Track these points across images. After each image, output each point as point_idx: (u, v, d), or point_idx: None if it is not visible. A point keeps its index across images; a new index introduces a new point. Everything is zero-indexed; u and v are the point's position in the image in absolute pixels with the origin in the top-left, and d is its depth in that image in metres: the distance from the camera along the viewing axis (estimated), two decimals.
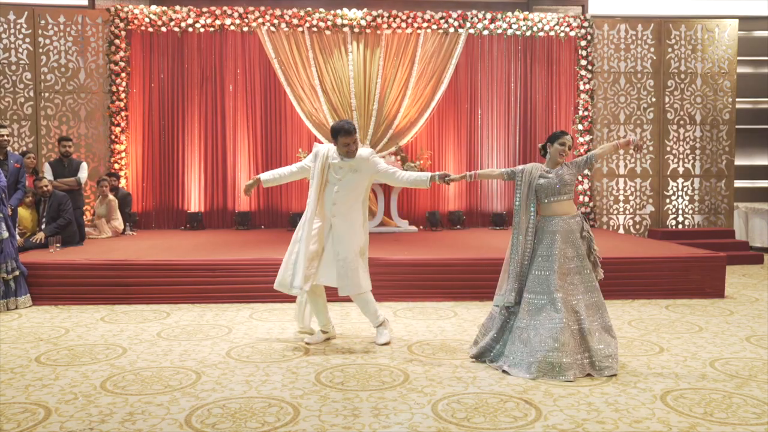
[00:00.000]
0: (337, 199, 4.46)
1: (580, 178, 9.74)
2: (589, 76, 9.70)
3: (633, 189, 9.89)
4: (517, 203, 4.21)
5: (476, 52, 9.81)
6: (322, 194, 4.50)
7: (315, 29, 9.43)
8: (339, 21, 9.38)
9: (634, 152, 4.32)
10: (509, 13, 9.65)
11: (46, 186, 7.03)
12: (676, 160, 9.91)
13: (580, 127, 9.71)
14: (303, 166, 4.65)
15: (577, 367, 3.85)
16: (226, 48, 9.55)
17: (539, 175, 4.22)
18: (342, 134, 4.44)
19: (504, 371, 3.92)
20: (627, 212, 9.91)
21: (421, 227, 9.59)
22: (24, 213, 7.07)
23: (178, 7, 9.36)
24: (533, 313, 3.98)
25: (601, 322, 4.04)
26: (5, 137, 6.52)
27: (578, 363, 3.87)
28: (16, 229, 6.42)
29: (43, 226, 7.00)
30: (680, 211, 9.95)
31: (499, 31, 9.66)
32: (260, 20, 9.37)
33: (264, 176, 4.68)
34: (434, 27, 9.53)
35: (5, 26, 9.03)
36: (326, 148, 4.57)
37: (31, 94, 9.13)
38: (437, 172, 4.52)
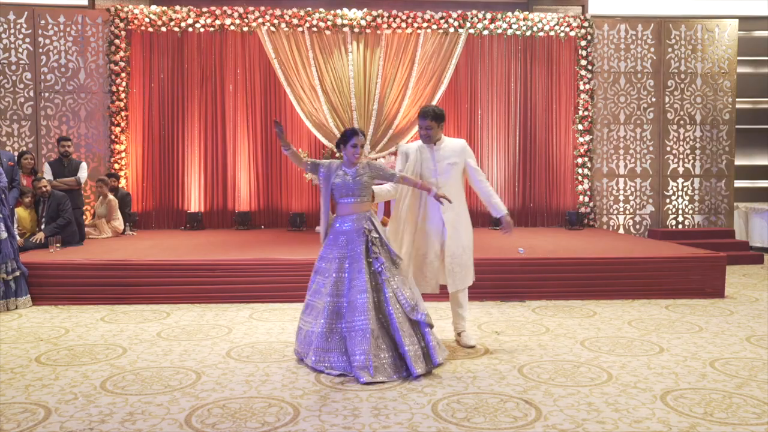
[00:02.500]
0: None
1: (579, 178, 9.75)
2: (589, 76, 9.69)
3: (633, 189, 9.89)
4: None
5: (476, 52, 9.81)
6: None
7: (315, 29, 9.42)
8: (339, 21, 9.38)
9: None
10: (509, 13, 9.65)
11: (45, 186, 7.03)
12: (676, 160, 9.91)
13: (580, 127, 9.71)
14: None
15: (387, 366, 3.84)
16: (226, 48, 9.55)
17: (336, 174, 4.14)
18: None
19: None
20: (627, 212, 9.91)
21: None
22: (23, 213, 7.06)
23: (178, 7, 9.36)
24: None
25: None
26: None
27: (384, 362, 3.84)
28: (15, 230, 6.41)
29: (42, 227, 7.00)
30: (680, 211, 9.95)
31: (499, 31, 9.66)
32: (260, 20, 9.37)
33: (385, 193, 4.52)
34: (434, 27, 9.53)
35: (5, 26, 9.02)
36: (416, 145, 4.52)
37: (31, 94, 9.13)
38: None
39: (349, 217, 4.10)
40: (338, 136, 9.56)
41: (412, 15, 9.46)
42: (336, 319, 3.97)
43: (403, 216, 4.43)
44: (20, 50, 9.07)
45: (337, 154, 4.32)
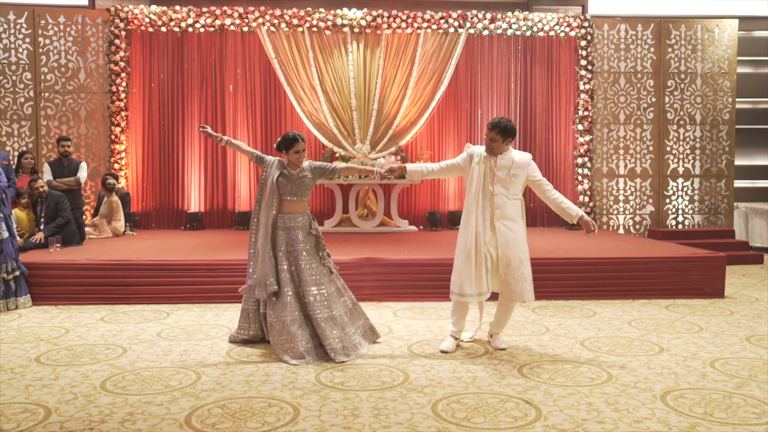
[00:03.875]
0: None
1: (579, 178, 9.76)
2: (589, 76, 9.70)
3: (633, 189, 9.89)
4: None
5: (476, 52, 9.81)
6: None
7: (315, 29, 9.43)
8: (339, 21, 9.38)
9: (388, 174, 4.39)
10: (509, 13, 9.65)
11: (42, 187, 7.03)
12: (676, 160, 9.91)
13: (580, 127, 9.71)
14: (456, 164, 4.50)
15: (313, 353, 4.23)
16: (226, 48, 9.55)
17: (280, 173, 4.44)
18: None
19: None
20: (627, 212, 9.91)
21: (421, 227, 9.60)
22: (20, 214, 7.04)
23: (178, 7, 9.36)
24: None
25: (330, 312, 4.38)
26: None
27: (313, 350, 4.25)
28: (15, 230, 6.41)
29: (42, 227, 6.99)
30: (680, 211, 9.95)
31: (499, 31, 9.66)
32: (260, 20, 9.37)
33: (411, 167, 4.51)
34: (434, 27, 9.53)
35: (5, 26, 9.02)
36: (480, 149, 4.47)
37: (31, 94, 9.13)
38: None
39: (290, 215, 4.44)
40: (338, 136, 9.60)
41: (412, 15, 9.46)
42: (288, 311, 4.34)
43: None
44: (20, 50, 9.07)
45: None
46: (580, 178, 9.75)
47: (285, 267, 4.36)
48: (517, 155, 4.41)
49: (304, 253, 4.39)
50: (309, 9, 9.41)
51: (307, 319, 4.35)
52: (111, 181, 8.29)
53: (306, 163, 4.50)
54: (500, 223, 4.31)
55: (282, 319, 4.30)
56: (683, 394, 3.58)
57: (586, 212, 9.61)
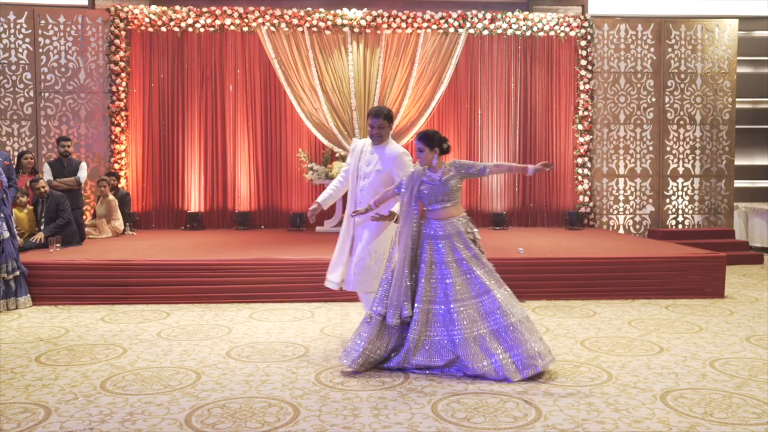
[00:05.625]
0: (361, 198, 4.50)
1: (579, 178, 9.76)
2: (589, 76, 9.69)
3: (633, 189, 9.89)
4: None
5: (476, 52, 9.81)
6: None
7: (315, 29, 9.42)
8: (339, 21, 9.38)
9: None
10: (509, 13, 9.65)
11: (43, 187, 7.03)
12: (676, 160, 9.91)
13: (580, 127, 9.71)
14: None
15: None
16: (226, 48, 9.55)
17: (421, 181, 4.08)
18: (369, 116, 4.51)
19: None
20: (627, 212, 9.91)
21: None
22: (19, 214, 7.04)
23: (178, 7, 9.36)
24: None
25: None
26: None
27: None
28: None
29: (42, 227, 6.99)
30: (680, 211, 9.95)
31: (499, 31, 9.66)
32: (260, 20, 9.37)
33: (321, 199, 4.62)
34: (434, 27, 9.53)
35: (5, 26, 9.02)
36: (362, 142, 4.57)
37: (31, 94, 9.13)
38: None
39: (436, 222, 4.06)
40: (338, 136, 9.54)
41: (412, 15, 9.46)
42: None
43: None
44: (20, 50, 9.07)
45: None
46: (580, 178, 9.75)
47: (432, 282, 3.99)
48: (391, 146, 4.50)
49: (454, 264, 3.99)
50: (309, 9, 9.41)
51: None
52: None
53: (449, 162, 4.16)
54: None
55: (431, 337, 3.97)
56: (683, 394, 3.58)
57: (586, 212, 9.65)
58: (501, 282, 4.01)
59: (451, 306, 3.91)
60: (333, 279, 4.57)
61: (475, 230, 4.14)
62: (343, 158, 9.42)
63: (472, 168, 4.08)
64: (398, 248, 4.04)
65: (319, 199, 4.69)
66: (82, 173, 7.75)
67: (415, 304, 3.96)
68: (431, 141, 4.05)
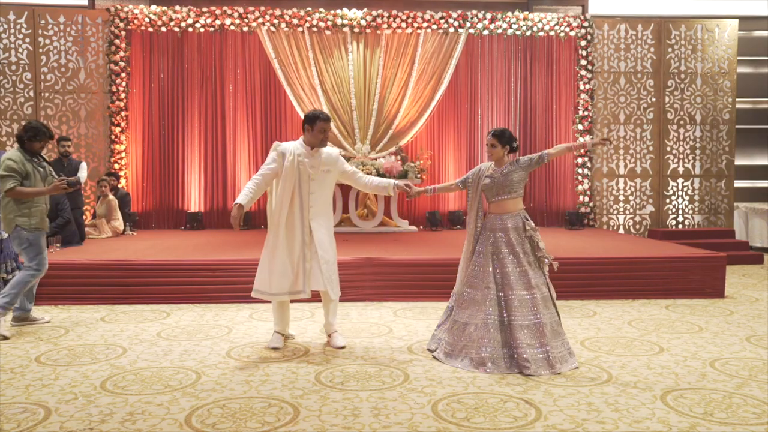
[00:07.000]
0: (313, 202, 4.39)
1: (579, 178, 9.76)
2: (589, 76, 9.70)
3: (633, 189, 9.89)
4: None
5: (476, 52, 9.81)
6: (296, 196, 4.37)
7: (315, 29, 9.43)
8: (339, 21, 9.38)
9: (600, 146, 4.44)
10: (509, 13, 9.65)
11: None
12: (676, 160, 9.91)
13: (580, 127, 9.72)
14: (268, 172, 4.41)
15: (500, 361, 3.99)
16: (226, 48, 9.55)
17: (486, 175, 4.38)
18: (321, 120, 4.40)
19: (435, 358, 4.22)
20: (627, 212, 9.91)
21: (421, 227, 9.59)
22: None
23: (178, 7, 9.36)
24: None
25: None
26: None
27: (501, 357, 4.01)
28: None
29: None
30: (680, 211, 9.95)
31: (499, 31, 9.66)
32: (260, 20, 9.37)
33: (241, 200, 4.28)
34: (434, 27, 9.53)
35: (5, 26, 9.02)
36: (292, 146, 4.46)
37: (31, 94, 9.13)
38: (402, 180, 4.60)
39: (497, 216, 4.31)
40: (338, 136, 9.59)
41: (412, 15, 9.47)
42: None
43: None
44: (20, 50, 9.08)
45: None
46: (580, 178, 9.76)
47: (489, 269, 4.18)
48: (330, 150, 4.55)
49: (511, 255, 4.16)
50: (309, 9, 9.41)
51: (503, 325, 4.08)
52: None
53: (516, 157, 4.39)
54: (315, 222, 4.41)
55: (473, 321, 4.12)
56: (683, 394, 3.58)
57: (586, 212, 9.65)
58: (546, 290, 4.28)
59: (500, 294, 4.14)
60: (298, 288, 4.36)
61: (536, 232, 4.28)
62: (343, 158, 9.40)
63: (533, 157, 4.33)
64: (466, 239, 4.41)
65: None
66: (82, 173, 7.74)
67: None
68: (503, 138, 4.30)
